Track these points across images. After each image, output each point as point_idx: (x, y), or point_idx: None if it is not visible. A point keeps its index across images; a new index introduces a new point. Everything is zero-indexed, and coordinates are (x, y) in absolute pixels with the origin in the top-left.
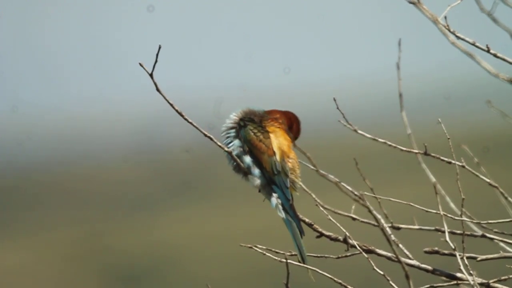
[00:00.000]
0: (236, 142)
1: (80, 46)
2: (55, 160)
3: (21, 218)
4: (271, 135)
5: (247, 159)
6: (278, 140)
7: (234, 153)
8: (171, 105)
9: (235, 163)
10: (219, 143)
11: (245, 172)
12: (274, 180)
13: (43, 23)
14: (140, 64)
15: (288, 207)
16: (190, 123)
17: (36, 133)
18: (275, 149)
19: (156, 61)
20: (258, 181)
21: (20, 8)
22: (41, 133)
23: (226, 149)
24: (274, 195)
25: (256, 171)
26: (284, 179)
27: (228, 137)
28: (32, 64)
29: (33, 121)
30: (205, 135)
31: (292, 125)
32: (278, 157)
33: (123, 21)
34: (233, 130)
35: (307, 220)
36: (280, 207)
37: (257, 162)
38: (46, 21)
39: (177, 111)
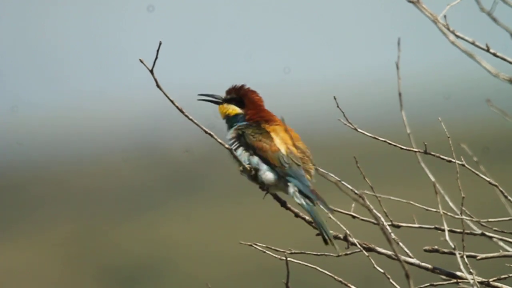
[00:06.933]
0: (240, 150)
1: (80, 46)
2: (55, 160)
3: (21, 218)
4: (272, 134)
5: (255, 160)
6: (279, 135)
7: (244, 161)
8: (172, 101)
9: (251, 175)
10: (219, 140)
11: (261, 182)
12: (286, 172)
13: (43, 23)
14: (141, 60)
15: (309, 191)
16: (190, 119)
17: (36, 133)
18: (278, 144)
19: (156, 57)
20: (271, 178)
21: (20, 8)
22: (41, 133)
23: (226, 146)
24: (290, 184)
25: (266, 171)
26: (296, 168)
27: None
28: (32, 64)
29: (33, 121)
30: (206, 132)
31: (256, 101)
32: (284, 151)
33: (123, 21)
34: (234, 140)
35: (307, 218)
36: (298, 194)
37: (265, 161)
38: (46, 21)
39: (177, 107)
